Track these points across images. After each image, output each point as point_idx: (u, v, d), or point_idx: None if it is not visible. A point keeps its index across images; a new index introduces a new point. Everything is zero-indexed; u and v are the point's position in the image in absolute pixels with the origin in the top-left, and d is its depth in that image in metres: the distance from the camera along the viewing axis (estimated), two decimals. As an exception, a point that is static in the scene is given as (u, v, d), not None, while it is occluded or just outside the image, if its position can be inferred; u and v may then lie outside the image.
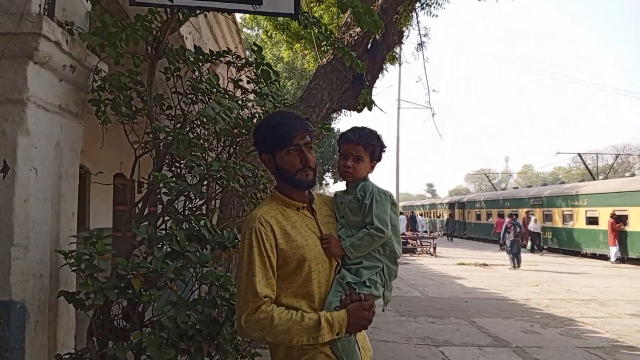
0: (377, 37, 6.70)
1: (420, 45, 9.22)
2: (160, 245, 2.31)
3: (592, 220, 21.52)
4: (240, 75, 2.67)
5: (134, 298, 2.18)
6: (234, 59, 2.62)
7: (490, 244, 29.59)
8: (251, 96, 2.65)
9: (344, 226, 2.06)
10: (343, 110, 7.99)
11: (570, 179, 32.81)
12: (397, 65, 12.39)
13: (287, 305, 1.79)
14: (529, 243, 23.89)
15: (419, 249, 22.65)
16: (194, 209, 2.38)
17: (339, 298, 1.86)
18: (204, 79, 2.36)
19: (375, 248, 1.99)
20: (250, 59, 2.65)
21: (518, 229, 17.26)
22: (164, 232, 2.44)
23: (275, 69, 2.78)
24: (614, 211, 19.41)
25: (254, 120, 2.55)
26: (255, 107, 2.66)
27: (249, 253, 1.76)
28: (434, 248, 22.20)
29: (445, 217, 41.83)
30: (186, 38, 4.03)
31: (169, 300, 2.36)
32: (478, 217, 34.44)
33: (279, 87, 2.71)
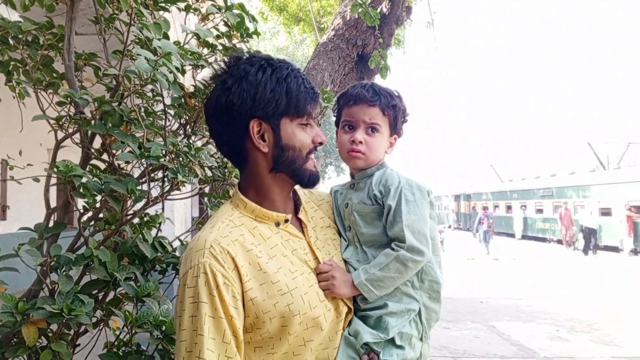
0: (385, 9, 5.92)
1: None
2: (82, 271, 1.55)
3: (605, 212, 20.70)
4: (205, 25, 1.90)
5: (33, 355, 1.43)
6: (195, 1, 1.85)
7: (497, 237, 28.78)
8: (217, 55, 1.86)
9: (351, 243, 1.30)
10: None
11: (574, 170, 31.55)
12: (401, 48, 11.54)
13: None
14: (581, 242, 19.46)
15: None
16: (132, 215, 1.61)
17: None
18: (143, 23, 1.59)
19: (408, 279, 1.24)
20: (217, 6, 1.87)
21: (491, 220, 20.45)
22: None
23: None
24: (628, 202, 18.59)
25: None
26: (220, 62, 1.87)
27: (192, 314, 1.01)
28: (442, 242, 21.48)
29: (452, 208, 40.95)
30: None
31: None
32: (485, 209, 33.67)
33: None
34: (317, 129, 1.24)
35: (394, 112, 1.34)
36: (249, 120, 1.16)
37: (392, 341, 1.19)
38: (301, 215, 1.29)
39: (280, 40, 26.62)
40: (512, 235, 28.04)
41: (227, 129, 1.20)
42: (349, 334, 1.19)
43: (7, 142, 2.28)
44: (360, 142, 1.31)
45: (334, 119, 1.47)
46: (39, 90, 1.84)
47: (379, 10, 5.98)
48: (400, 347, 1.19)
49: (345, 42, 5.80)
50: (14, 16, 2.00)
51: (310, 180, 1.24)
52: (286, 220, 1.22)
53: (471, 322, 7.66)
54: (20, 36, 1.75)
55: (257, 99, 1.14)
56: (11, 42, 1.79)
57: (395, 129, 1.38)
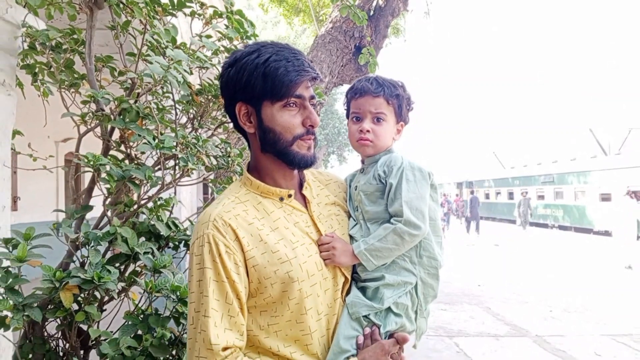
0: (381, 1, 6.09)
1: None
2: (107, 248, 1.81)
3: (605, 197, 20.86)
4: (207, 30, 2.13)
5: (68, 317, 1.68)
6: (200, 7, 2.07)
7: (499, 223, 29.03)
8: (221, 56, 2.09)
9: (358, 222, 1.42)
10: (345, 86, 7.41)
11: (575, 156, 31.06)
12: (401, 37, 11.69)
13: (274, 353, 1.21)
14: None
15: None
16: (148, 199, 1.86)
17: (354, 341, 1.25)
18: (156, 32, 1.81)
19: (405, 253, 1.36)
20: (218, 10, 2.10)
21: (449, 204, 24.05)
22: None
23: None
24: (629, 187, 18.74)
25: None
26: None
27: (199, 278, 1.16)
28: (443, 229, 21.69)
29: (454, 196, 41.10)
30: None
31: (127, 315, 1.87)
32: (487, 196, 33.85)
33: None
34: (309, 111, 1.24)
35: (398, 101, 1.43)
36: (235, 102, 1.26)
37: (390, 310, 1.29)
38: (305, 192, 1.37)
39: (282, 30, 26.66)
40: (514, 222, 28.20)
41: (228, 110, 1.32)
42: (350, 304, 1.30)
43: (23, 137, 2.52)
44: (368, 131, 1.41)
45: (335, 108, 1.66)
46: (62, 90, 2.08)
47: (374, 3, 6.18)
48: (398, 315, 1.29)
49: (342, 34, 6.01)
50: (35, 23, 2.22)
51: (296, 162, 1.26)
52: (289, 196, 1.31)
53: (468, 304, 7.92)
54: (46, 42, 1.98)
55: (238, 84, 1.22)
56: (38, 47, 2.03)
57: (400, 117, 1.46)
